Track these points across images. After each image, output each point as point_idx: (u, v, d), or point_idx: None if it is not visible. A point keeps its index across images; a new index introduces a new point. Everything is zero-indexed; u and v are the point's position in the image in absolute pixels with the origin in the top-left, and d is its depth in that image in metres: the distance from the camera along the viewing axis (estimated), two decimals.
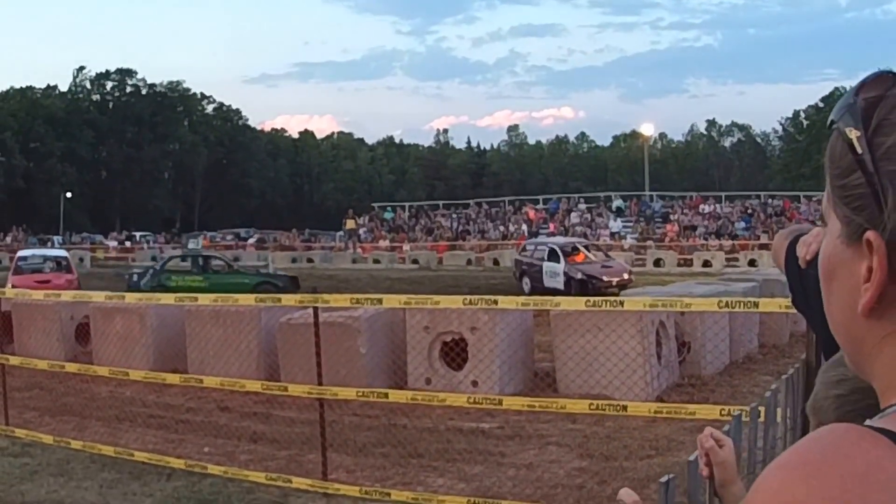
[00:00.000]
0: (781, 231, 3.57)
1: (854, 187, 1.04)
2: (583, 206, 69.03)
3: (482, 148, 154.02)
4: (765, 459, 4.55)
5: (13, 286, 28.35)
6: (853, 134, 1.04)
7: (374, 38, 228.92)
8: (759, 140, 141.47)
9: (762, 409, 4.83)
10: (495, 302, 10.18)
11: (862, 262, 1.04)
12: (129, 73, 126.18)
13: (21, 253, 38.95)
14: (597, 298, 9.93)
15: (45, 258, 37.23)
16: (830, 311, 1.13)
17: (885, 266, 1.02)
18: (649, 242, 55.73)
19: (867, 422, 1.00)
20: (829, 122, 1.10)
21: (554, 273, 34.61)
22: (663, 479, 3.60)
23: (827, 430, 0.98)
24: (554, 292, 31.02)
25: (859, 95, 1.07)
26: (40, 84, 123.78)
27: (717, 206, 64.95)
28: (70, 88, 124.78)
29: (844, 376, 1.81)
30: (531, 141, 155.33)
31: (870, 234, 1.02)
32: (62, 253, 40.95)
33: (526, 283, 35.86)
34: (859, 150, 1.03)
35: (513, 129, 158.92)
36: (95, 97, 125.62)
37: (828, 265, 1.11)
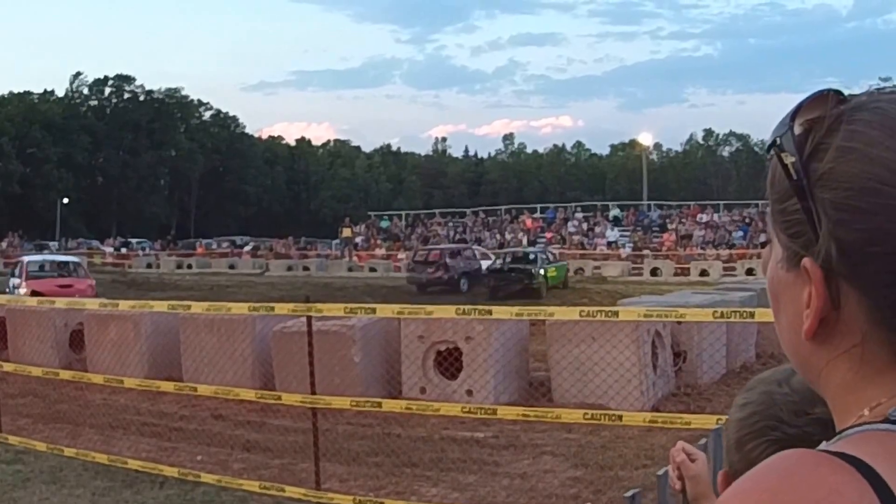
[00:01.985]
0: None
1: (791, 213, 1.03)
2: (580, 215, 69.05)
3: (479, 157, 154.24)
4: None
5: (33, 291, 28.19)
6: (789, 159, 1.03)
7: (373, 46, 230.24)
8: (757, 149, 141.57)
9: None
10: (489, 312, 10.17)
11: (803, 287, 1.03)
12: (127, 79, 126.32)
13: (31, 258, 37.97)
14: (592, 308, 9.92)
15: (60, 263, 36.72)
16: (780, 334, 1.13)
17: (823, 293, 1.01)
18: (646, 251, 55.74)
19: (822, 445, 1.00)
20: (767, 144, 1.08)
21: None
22: (628, 494, 3.59)
23: (784, 455, 0.96)
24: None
25: (796, 118, 1.04)
26: (38, 89, 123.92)
27: (715, 215, 65.00)
28: (67, 94, 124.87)
29: (748, 400, 1.86)
30: (529, 150, 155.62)
31: (806, 262, 1.02)
32: (75, 258, 40.19)
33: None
34: (794, 176, 1.02)
35: (508, 137, 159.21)
36: (93, 103, 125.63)
37: (773, 289, 1.11)
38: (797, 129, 1.03)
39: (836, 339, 1.03)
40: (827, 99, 1.04)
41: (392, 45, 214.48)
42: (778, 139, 1.05)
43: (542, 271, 38.92)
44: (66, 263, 36.80)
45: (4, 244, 69.73)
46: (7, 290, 33.58)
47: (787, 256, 1.05)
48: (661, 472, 3.17)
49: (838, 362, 1.04)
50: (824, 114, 1.03)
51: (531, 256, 41.91)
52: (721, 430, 4.15)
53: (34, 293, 27.09)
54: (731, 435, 1.86)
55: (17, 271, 34.85)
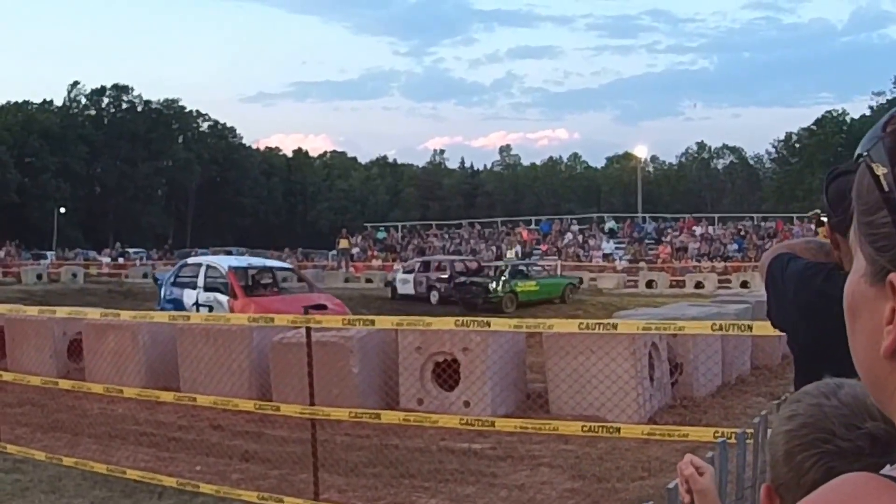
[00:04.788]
0: (766, 251, 3.64)
1: (880, 226, 0.99)
2: (576, 227, 69.07)
3: (476, 168, 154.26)
4: (754, 485, 4.57)
5: (269, 309, 18.67)
6: (880, 170, 0.99)
7: (371, 58, 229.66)
8: (751, 162, 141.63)
9: (750, 431, 4.83)
10: (488, 324, 10.20)
11: (885, 303, 1.00)
12: (125, 89, 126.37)
13: (232, 261, 26.66)
14: (590, 321, 9.95)
15: (271, 269, 27.84)
16: (854, 349, 1.08)
17: None
18: (642, 264, 55.74)
19: (885, 469, 0.99)
20: (856, 154, 1.04)
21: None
22: None
23: (846, 479, 0.96)
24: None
25: (887, 129, 1.00)
26: (36, 99, 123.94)
27: (710, 227, 65.04)
28: (65, 103, 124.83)
29: (795, 412, 1.84)
30: (525, 162, 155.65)
31: (893, 277, 0.98)
32: (284, 263, 33.74)
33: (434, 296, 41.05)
34: (886, 188, 0.98)
35: (505, 149, 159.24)
36: (91, 113, 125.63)
37: (851, 303, 1.07)
38: (888, 141, 1.00)
39: None
40: None
41: (390, 57, 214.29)
42: (868, 150, 1.02)
43: (500, 286, 38.22)
44: (279, 270, 28.39)
45: (2, 253, 69.62)
46: (169, 307, 23.85)
47: (873, 271, 1.02)
48: (671, 486, 3.21)
49: None
50: None
51: (501, 268, 41.36)
52: (725, 443, 4.19)
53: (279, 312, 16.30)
54: (779, 447, 1.84)
55: (199, 280, 24.79)
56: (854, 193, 1.04)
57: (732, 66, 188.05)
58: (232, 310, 22.37)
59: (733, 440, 4.75)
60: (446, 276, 41.57)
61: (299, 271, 30.21)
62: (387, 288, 44.79)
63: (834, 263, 2.83)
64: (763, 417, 4.92)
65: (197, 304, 24.03)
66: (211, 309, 23.19)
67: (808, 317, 2.85)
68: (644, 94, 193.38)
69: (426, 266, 43.95)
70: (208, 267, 25.20)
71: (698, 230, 63.88)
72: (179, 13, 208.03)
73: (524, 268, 43.19)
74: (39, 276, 50.91)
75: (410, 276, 42.83)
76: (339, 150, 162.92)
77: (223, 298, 23.60)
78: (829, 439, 1.75)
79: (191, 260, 29.59)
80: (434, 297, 40.84)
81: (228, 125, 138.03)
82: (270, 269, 28.01)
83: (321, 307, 20.64)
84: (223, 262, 26.17)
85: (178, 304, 24.33)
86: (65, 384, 13.50)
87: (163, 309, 23.77)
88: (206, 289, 24.28)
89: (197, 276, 25.03)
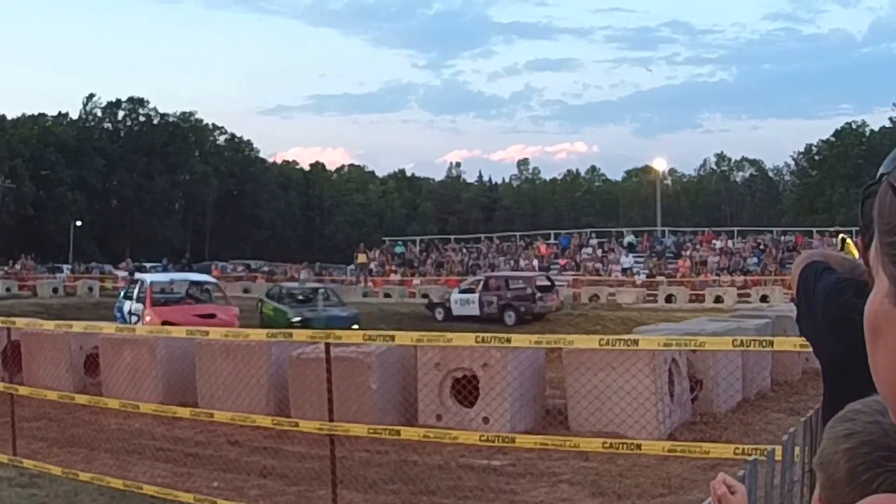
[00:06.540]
0: (800, 255, 3.60)
1: None
2: (595, 241, 68.99)
3: (494, 182, 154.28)
4: (782, 503, 4.50)
5: (165, 322, 23.95)
6: None
7: (390, 71, 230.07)
8: (771, 175, 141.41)
9: (778, 448, 4.78)
10: (508, 340, 10.12)
11: None
12: (141, 102, 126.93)
13: (155, 278, 32.78)
14: (611, 337, 9.86)
15: (192, 283, 32.21)
16: (875, 367, 1.08)
17: None
18: (661, 278, 55.59)
19: None
20: (878, 174, 1.03)
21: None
22: None
23: (874, 500, 0.98)
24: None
25: None
26: (52, 111, 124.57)
27: (729, 241, 64.89)
28: (81, 116, 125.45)
29: (852, 430, 1.79)
30: (544, 175, 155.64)
31: None
32: (207, 278, 35.83)
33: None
34: None
35: (523, 163, 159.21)
36: (107, 125, 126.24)
37: (873, 322, 1.06)
38: None
39: None
40: None
41: (409, 70, 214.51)
42: (890, 170, 1.01)
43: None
44: (199, 284, 32.23)
45: (18, 266, 69.92)
46: (118, 316, 30.28)
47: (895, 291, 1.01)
48: None
49: None
50: None
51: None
52: (756, 462, 4.12)
53: (166, 324, 22.68)
54: (840, 467, 1.80)
55: (134, 293, 29.91)
56: (875, 213, 1.03)
57: (752, 77, 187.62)
58: (144, 317, 27.24)
59: (763, 458, 4.67)
60: (528, 292, 38.97)
61: (221, 287, 34.29)
62: (434, 310, 40.76)
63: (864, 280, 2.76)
64: (791, 436, 4.85)
65: (130, 313, 28.95)
66: (138, 317, 27.92)
67: (835, 331, 2.82)
68: (664, 106, 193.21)
69: (488, 284, 41.34)
70: (141, 282, 30.59)
71: (718, 244, 63.81)
72: (196, 25, 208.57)
73: (310, 293, 39.56)
74: (55, 290, 51.13)
75: (472, 296, 40.01)
76: (357, 163, 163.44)
77: (141, 308, 28.16)
78: (893, 456, 1.70)
79: (137, 276, 36.59)
80: (510, 317, 38.34)
81: (245, 138, 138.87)
82: (197, 283, 32.64)
83: (210, 316, 26.51)
84: (149, 278, 32.06)
85: (121, 312, 30.13)
86: (81, 399, 13.49)
87: (114, 317, 29.99)
88: (136, 300, 29.11)
89: (136, 290, 30.08)
